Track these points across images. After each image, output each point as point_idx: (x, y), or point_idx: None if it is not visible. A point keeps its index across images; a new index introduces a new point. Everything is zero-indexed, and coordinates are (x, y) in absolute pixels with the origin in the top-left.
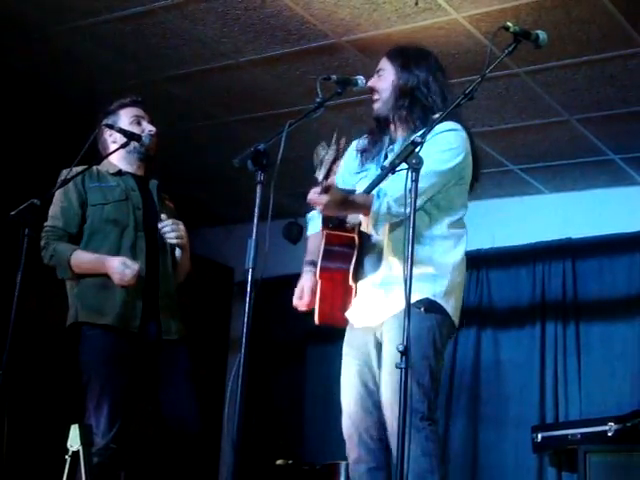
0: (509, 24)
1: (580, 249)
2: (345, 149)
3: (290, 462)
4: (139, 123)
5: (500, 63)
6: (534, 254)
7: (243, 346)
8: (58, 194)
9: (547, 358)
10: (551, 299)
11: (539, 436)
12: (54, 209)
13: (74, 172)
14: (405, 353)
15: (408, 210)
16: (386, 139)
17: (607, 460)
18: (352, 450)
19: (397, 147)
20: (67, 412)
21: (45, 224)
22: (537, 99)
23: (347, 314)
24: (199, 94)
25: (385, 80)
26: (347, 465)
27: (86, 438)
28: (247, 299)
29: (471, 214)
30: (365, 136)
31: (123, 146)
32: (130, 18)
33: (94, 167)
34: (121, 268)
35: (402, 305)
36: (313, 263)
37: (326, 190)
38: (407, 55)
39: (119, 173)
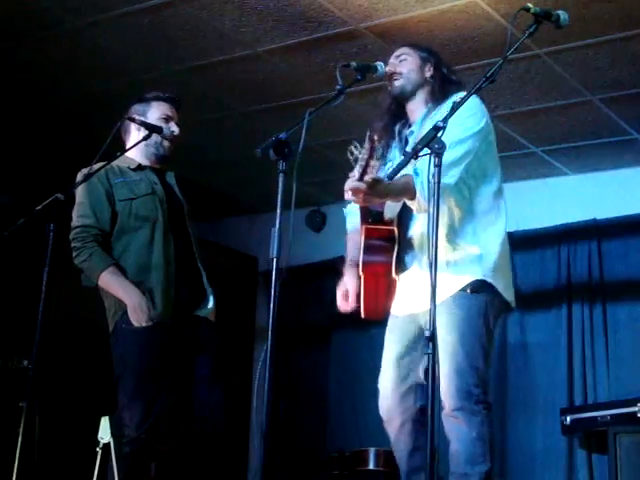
0: (529, 5)
1: (605, 230)
2: (378, 147)
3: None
4: (167, 121)
5: (521, 45)
6: (559, 236)
7: (270, 335)
8: (82, 193)
9: (574, 340)
10: (577, 281)
11: (568, 419)
12: (82, 208)
13: (95, 168)
14: (432, 339)
15: (447, 179)
16: (399, 125)
17: (637, 441)
18: (391, 432)
19: (416, 128)
20: (98, 405)
21: (74, 224)
22: (559, 80)
23: (391, 308)
24: (219, 85)
25: (409, 63)
26: (376, 451)
27: (117, 430)
28: (272, 289)
29: None
30: (376, 126)
31: (145, 138)
32: (148, 10)
33: (113, 164)
34: (139, 311)
35: (451, 290)
36: (355, 263)
37: (373, 184)
38: (426, 46)
39: (139, 167)
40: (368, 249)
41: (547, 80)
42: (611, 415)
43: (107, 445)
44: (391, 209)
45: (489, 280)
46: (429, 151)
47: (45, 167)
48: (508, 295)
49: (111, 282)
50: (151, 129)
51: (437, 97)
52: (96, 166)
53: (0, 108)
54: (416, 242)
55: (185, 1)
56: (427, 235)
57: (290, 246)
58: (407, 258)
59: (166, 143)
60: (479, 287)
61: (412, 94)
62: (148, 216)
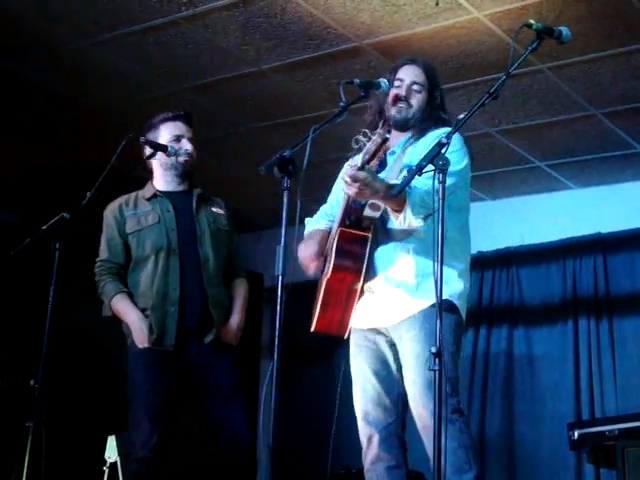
0: (532, 22)
1: (610, 244)
2: (387, 140)
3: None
4: (178, 140)
5: (524, 60)
6: (564, 250)
7: (276, 352)
8: (103, 227)
9: (581, 354)
10: (583, 295)
11: (576, 433)
12: (101, 243)
13: (111, 207)
14: (439, 355)
15: (435, 204)
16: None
17: None
18: (370, 451)
19: (398, 150)
20: (105, 424)
21: (96, 259)
22: (562, 94)
23: (351, 319)
24: (223, 103)
25: (422, 97)
26: None
27: (124, 449)
28: (278, 306)
29: (500, 212)
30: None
31: (149, 157)
32: (152, 29)
33: (134, 193)
34: (137, 333)
35: (418, 307)
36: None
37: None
38: (435, 74)
39: (154, 196)
40: (341, 253)
41: (550, 95)
42: (619, 429)
43: (114, 464)
44: (369, 217)
45: (455, 302)
46: (433, 167)
47: (51, 186)
48: (465, 317)
49: (119, 307)
50: (155, 148)
51: (423, 126)
52: (115, 202)
53: (5, 126)
54: (384, 254)
55: (189, 20)
56: (397, 250)
57: (295, 262)
58: (378, 266)
59: (181, 159)
60: (449, 307)
61: (413, 123)
62: (154, 246)
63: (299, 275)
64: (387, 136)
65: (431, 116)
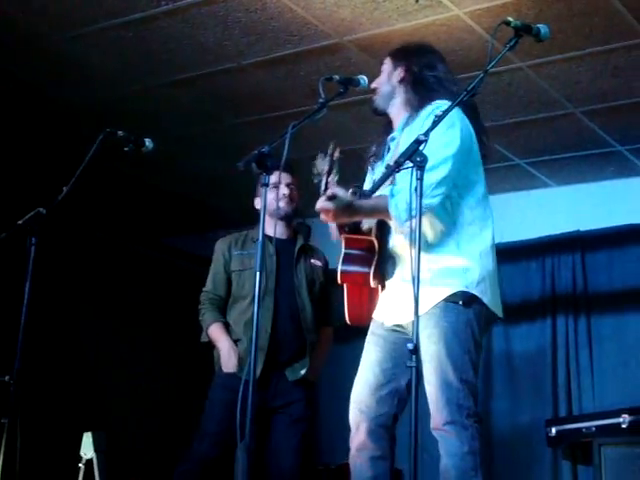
0: (510, 19)
1: (589, 241)
2: (339, 160)
3: None
4: (277, 187)
5: (503, 58)
6: (543, 248)
7: (253, 349)
8: (213, 259)
9: (559, 351)
10: (561, 292)
11: (553, 430)
12: (209, 274)
13: (223, 243)
14: (415, 352)
15: (429, 201)
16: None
17: (622, 452)
18: (357, 437)
19: (397, 135)
20: (80, 421)
21: (202, 288)
22: (541, 93)
23: (374, 314)
24: (202, 98)
25: (382, 75)
26: None
27: (99, 445)
28: (256, 304)
29: None
30: (374, 144)
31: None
32: (131, 24)
33: (245, 232)
34: (225, 359)
35: (434, 301)
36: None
37: (330, 199)
38: (406, 49)
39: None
40: (347, 259)
41: (530, 93)
42: (596, 426)
43: (90, 461)
44: (368, 219)
45: (473, 292)
46: (411, 164)
47: (26, 181)
48: (494, 306)
49: (213, 335)
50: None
51: (412, 103)
52: (229, 237)
53: None
54: (396, 253)
55: (168, 15)
56: (410, 247)
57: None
58: (388, 269)
59: (281, 203)
60: (465, 299)
61: (386, 106)
62: (252, 288)
63: None
64: (335, 153)
65: (417, 92)
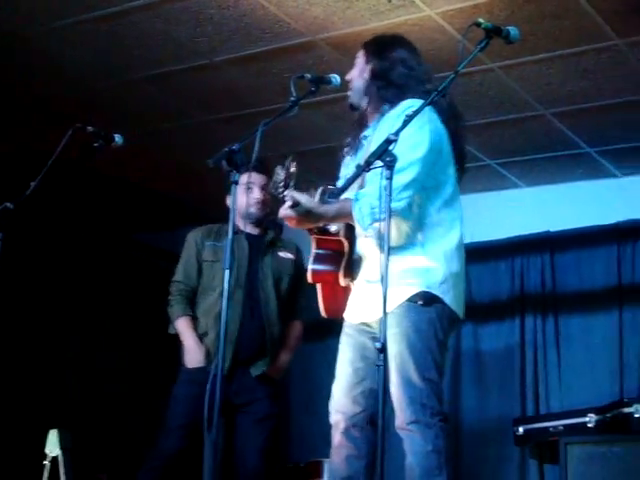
0: (480, 20)
1: (558, 242)
2: (294, 174)
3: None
4: (249, 189)
5: (474, 59)
6: (513, 248)
7: (221, 346)
8: (183, 249)
9: (527, 351)
10: (530, 292)
11: (520, 429)
12: (179, 264)
13: (195, 233)
14: (383, 351)
15: (395, 204)
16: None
17: (588, 451)
18: (336, 436)
19: (370, 132)
20: (45, 418)
21: (172, 278)
22: (512, 94)
23: (344, 314)
24: (175, 94)
25: (356, 68)
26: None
27: (65, 443)
28: (224, 301)
29: None
30: (347, 138)
31: None
32: (104, 19)
33: (219, 225)
34: (190, 355)
35: (397, 301)
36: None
37: (293, 206)
38: (379, 41)
39: (235, 232)
40: (317, 258)
41: (501, 94)
42: (562, 425)
43: (55, 459)
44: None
45: (435, 292)
46: (381, 164)
47: None
48: (456, 307)
49: (179, 328)
50: None
51: (384, 100)
52: (202, 228)
53: None
54: (362, 253)
55: (141, 10)
56: (375, 248)
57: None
58: (355, 269)
59: (253, 209)
60: (427, 299)
61: (360, 101)
62: (223, 280)
63: None
64: (291, 166)
65: (389, 89)
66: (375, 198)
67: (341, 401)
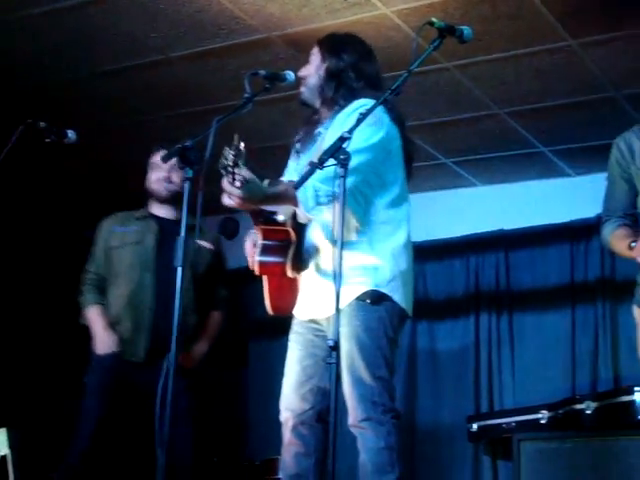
0: (434, 20)
1: (512, 240)
2: (244, 153)
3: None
4: (156, 168)
5: (430, 57)
6: (468, 246)
7: (173, 345)
8: (94, 238)
9: (481, 348)
10: (485, 290)
11: (474, 426)
12: (91, 253)
13: (105, 221)
14: (335, 349)
15: (337, 189)
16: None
17: (540, 447)
18: (285, 433)
19: (324, 129)
20: None
21: (85, 267)
22: (467, 93)
23: (294, 310)
24: (130, 90)
25: (311, 65)
26: None
27: (13, 442)
28: (177, 299)
29: None
30: (299, 131)
31: None
32: (56, 12)
33: (129, 212)
34: (99, 342)
35: (346, 300)
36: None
37: (240, 184)
38: (334, 40)
39: (144, 217)
40: (264, 250)
41: (456, 93)
42: (515, 422)
43: (3, 458)
44: (284, 210)
45: (383, 290)
46: (334, 162)
47: None
48: (406, 305)
49: (89, 318)
50: None
51: (339, 98)
52: (112, 216)
53: None
54: (313, 245)
55: (94, 4)
56: (325, 240)
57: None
58: (305, 259)
59: (158, 187)
60: (376, 297)
61: (314, 99)
62: (130, 263)
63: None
64: (240, 150)
65: (344, 88)
66: (319, 181)
67: (290, 399)
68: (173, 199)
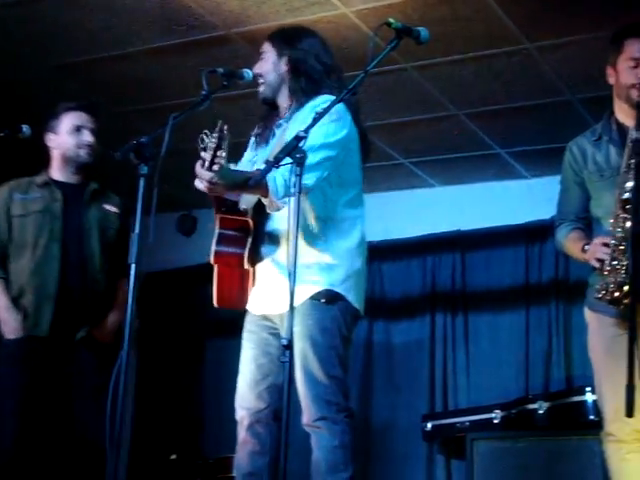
0: (391, 20)
1: (469, 241)
2: (227, 136)
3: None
4: (78, 131)
5: (389, 58)
6: (425, 246)
7: (126, 343)
8: None
9: (437, 348)
10: (441, 290)
11: (429, 425)
12: None
13: (2, 189)
14: (289, 347)
15: (307, 181)
16: (276, 120)
17: (493, 447)
18: (240, 432)
19: (284, 121)
20: None
21: None
22: (426, 94)
23: (247, 305)
24: (89, 84)
25: (266, 62)
26: None
27: None
28: (130, 296)
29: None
30: (259, 124)
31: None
32: (15, 5)
33: (28, 178)
34: (5, 323)
35: (300, 299)
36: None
37: (212, 167)
38: (287, 34)
39: (46, 184)
40: (221, 239)
41: (415, 93)
42: (469, 421)
43: None
44: (247, 200)
45: (337, 290)
46: (291, 160)
47: None
48: (358, 304)
49: None
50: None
51: (300, 93)
52: (9, 183)
53: None
54: (272, 237)
55: None
56: (286, 233)
57: (150, 251)
58: (262, 251)
59: (81, 152)
60: (330, 297)
61: (275, 95)
62: (36, 233)
63: (163, 263)
64: (224, 128)
65: (304, 83)
66: (287, 171)
67: (245, 397)
68: (87, 166)
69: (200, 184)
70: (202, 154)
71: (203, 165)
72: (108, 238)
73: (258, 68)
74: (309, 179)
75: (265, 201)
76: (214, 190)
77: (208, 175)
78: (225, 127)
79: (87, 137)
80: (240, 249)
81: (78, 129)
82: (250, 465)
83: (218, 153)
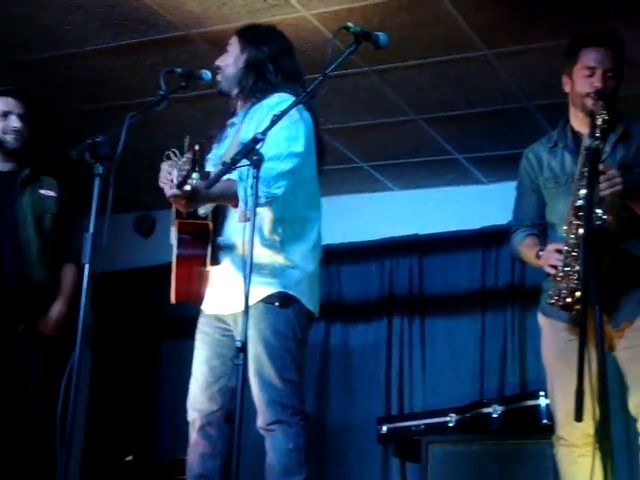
0: (350, 25)
1: (426, 245)
2: (202, 157)
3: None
4: (5, 116)
5: (349, 61)
6: (383, 250)
7: (78, 341)
8: None
9: (393, 351)
10: (398, 294)
11: (384, 428)
12: None
13: None
14: (243, 350)
15: (274, 190)
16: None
17: (448, 450)
18: (192, 434)
19: (237, 120)
20: None
21: None
22: (385, 98)
23: (202, 306)
24: (44, 82)
25: (230, 55)
26: None
27: None
28: (83, 296)
29: (322, 210)
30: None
31: None
32: None
33: None
34: None
35: (254, 300)
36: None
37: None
38: (255, 31)
39: None
40: (181, 243)
41: (374, 97)
42: (424, 424)
43: None
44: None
45: (291, 292)
46: (248, 162)
47: None
48: (312, 306)
49: None
50: None
51: (256, 91)
52: None
53: None
54: (230, 240)
55: None
56: (243, 236)
57: (103, 252)
58: (220, 254)
59: (9, 137)
60: (284, 299)
61: (231, 89)
62: None
63: (121, 264)
64: (196, 148)
65: (262, 81)
66: (260, 182)
67: (198, 399)
68: (17, 152)
69: (176, 205)
70: (168, 168)
71: (178, 186)
72: (45, 224)
73: (220, 60)
74: (279, 188)
75: (235, 212)
76: (190, 207)
77: (179, 192)
78: (197, 147)
79: (14, 122)
80: (202, 251)
81: (5, 115)
82: (201, 467)
83: (192, 175)
